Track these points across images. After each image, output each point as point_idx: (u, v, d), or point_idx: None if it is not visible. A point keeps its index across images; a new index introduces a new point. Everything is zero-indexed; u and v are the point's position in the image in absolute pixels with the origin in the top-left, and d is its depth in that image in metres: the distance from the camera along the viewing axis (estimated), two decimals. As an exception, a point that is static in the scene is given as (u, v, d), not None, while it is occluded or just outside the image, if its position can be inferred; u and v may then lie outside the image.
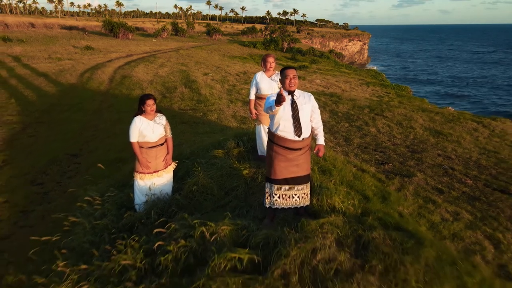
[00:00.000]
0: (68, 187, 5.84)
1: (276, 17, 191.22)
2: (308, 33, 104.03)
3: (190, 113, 11.10)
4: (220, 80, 17.74)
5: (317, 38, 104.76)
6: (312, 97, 3.80)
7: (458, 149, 9.00)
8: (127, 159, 6.83)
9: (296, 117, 3.53)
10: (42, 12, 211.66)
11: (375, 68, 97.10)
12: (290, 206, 3.74)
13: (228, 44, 49.48)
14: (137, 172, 4.38)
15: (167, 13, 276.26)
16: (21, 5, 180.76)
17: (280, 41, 48.29)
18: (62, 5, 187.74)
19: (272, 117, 3.68)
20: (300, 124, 3.53)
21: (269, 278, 2.79)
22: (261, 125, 5.11)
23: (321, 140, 3.79)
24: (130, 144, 4.32)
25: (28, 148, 7.59)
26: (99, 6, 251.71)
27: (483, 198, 6.29)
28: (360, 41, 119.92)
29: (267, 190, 3.75)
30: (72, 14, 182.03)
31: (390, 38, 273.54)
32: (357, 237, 3.28)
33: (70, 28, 56.35)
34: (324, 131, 8.76)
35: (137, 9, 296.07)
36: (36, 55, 23.76)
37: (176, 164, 4.68)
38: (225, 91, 15.18)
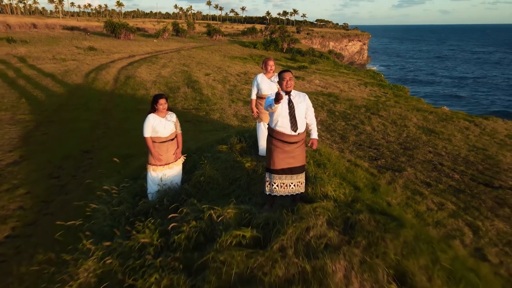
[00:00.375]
0: (83, 180, 6.32)
1: (276, 17, 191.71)
2: (308, 33, 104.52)
3: (193, 112, 11.58)
4: (222, 81, 18.23)
5: (317, 38, 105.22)
6: (307, 96, 4.27)
7: (449, 146, 9.49)
8: (136, 154, 7.31)
9: (292, 114, 4.02)
10: (42, 12, 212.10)
11: (374, 68, 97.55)
12: (287, 194, 4.23)
13: (228, 45, 49.97)
14: (150, 164, 4.86)
15: (167, 13, 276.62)
16: (21, 5, 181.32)
17: (280, 41, 48.78)
18: (63, 5, 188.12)
19: (271, 114, 4.16)
20: (296, 121, 4.02)
21: (269, 251, 3.27)
22: (262, 122, 5.59)
23: (314, 135, 4.28)
24: (144, 139, 4.79)
25: (42, 145, 8.07)
26: (99, 6, 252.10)
27: (468, 191, 6.78)
28: (360, 41, 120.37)
29: (267, 179, 4.24)
30: (72, 14, 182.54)
31: (390, 38, 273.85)
32: (346, 219, 3.77)
33: (72, 28, 56.81)
34: (321, 129, 9.38)
35: (137, 9, 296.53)
36: (40, 56, 24.23)
37: (185, 158, 5.16)
38: (227, 91, 15.67)
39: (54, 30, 53.84)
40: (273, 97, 3.94)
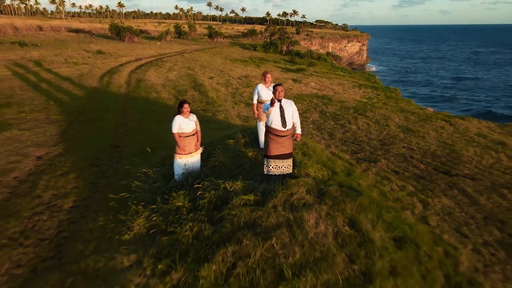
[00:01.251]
0: (118, 167, 7.91)
1: (276, 18, 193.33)
2: (307, 35, 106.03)
3: (201, 113, 13.17)
4: (225, 84, 19.82)
5: (317, 39, 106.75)
6: (293, 103, 5.86)
7: (421, 142, 11.08)
8: (157, 148, 8.89)
9: (282, 115, 5.61)
10: (43, 13, 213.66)
11: (373, 68, 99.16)
12: (279, 174, 5.82)
13: (229, 47, 51.56)
14: (176, 153, 6.44)
15: (167, 13, 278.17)
16: (22, 5, 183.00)
17: (279, 44, 50.37)
18: (64, 6, 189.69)
19: (268, 116, 5.74)
20: (285, 120, 5.61)
21: (265, 207, 4.87)
22: (261, 121, 7.18)
23: (298, 130, 5.88)
24: (172, 134, 6.36)
25: (78, 140, 9.64)
26: (100, 7, 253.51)
27: (428, 177, 8.37)
28: (359, 42, 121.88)
29: (265, 163, 5.83)
30: (73, 15, 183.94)
31: (390, 38, 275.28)
32: (319, 189, 5.36)
33: (77, 31, 58.37)
34: (312, 128, 11.30)
35: (138, 9, 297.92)
36: (53, 60, 25.78)
37: (202, 148, 6.75)
38: (230, 94, 17.26)
39: (60, 33, 55.39)
40: (269, 102, 5.54)
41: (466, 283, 4.59)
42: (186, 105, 6.31)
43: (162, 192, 5.96)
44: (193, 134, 6.46)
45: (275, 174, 5.82)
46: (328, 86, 24.06)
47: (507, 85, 63.04)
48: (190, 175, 6.27)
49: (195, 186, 5.54)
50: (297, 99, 16.46)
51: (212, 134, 9.70)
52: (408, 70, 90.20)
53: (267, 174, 5.84)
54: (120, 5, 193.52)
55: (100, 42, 44.00)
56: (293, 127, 5.90)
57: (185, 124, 6.32)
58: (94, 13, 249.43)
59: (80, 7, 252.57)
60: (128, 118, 12.09)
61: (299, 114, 6.16)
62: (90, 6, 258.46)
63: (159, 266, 4.44)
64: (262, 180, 5.97)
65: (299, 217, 4.67)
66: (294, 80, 23.64)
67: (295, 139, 5.96)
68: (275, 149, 5.69)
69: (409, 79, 73.63)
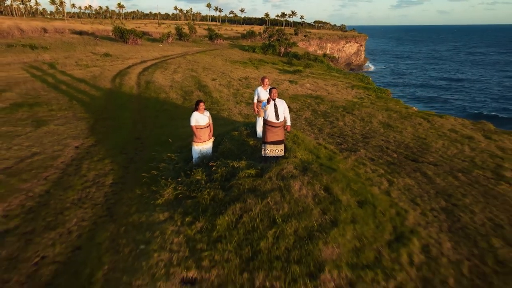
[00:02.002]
0: (143, 155, 9.67)
1: (274, 19, 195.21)
2: (305, 35, 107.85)
3: (207, 112, 14.92)
4: (226, 85, 21.59)
5: (315, 40, 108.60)
6: (285, 102, 7.62)
7: (398, 136, 12.85)
8: (173, 140, 10.64)
9: (276, 111, 7.37)
10: (42, 13, 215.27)
11: (371, 68, 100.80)
12: (274, 156, 7.58)
13: (229, 49, 53.34)
14: (194, 141, 8.19)
15: (166, 14, 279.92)
16: (22, 6, 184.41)
17: (277, 46, 52.15)
18: (64, 6, 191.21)
19: (265, 111, 7.50)
20: (278, 114, 7.37)
21: (263, 178, 6.64)
22: (259, 117, 8.94)
23: (288, 122, 7.65)
24: (190, 127, 8.11)
25: (105, 134, 11.38)
26: (100, 7, 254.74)
27: (398, 163, 10.13)
28: (356, 42, 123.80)
29: (263, 147, 7.60)
30: (72, 16, 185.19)
31: (388, 38, 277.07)
32: (304, 166, 7.13)
33: (81, 33, 60.08)
34: (304, 124, 13.27)
35: (137, 10, 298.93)
36: (65, 62, 27.51)
37: (214, 138, 8.51)
38: (231, 94, 19.02)
39: (65, 35, 57.08)
40: (266, 101, 7.31)
41: (408, 232, 6.35)
42: (201, 104, 8.07)
43: (184, 171, 7.72)
44: (207, 127, 8.21)
45: (271, 156, 7.58)
46: (322, 87, 25.84)
47: (502, 87, 64.87)
48: (205, 158, 8.03)
49: (210, 164, 7.31)
50: (292, 99, 18.21)
51: (219, 129, 11.45)
52: (405, 71, 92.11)
53: (264, 156, 7.60)
54: (120, 6, 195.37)
55: (105, 44, 45.67)
56: (285, 120, 7.66)
57: (200, 119, 8.08)
58: (93, 14, 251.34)
59: (80, 7, 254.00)
60: (143, 116, 13.83)
61: (294, 112, 7.98)
62: (90, 6, 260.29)
63: (186, 219, 6.20)
64: (260, 161, 7.73)
65: (287, 184, 6.44)
66: (291, 82, 25.41)
67: (286, 130, 7.73)
68: (270, 137, 7.45)
69: (405, 80, 75.53)
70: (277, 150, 7.54)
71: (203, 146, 8.20)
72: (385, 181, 8.81)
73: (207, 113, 8.23)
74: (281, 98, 7.77)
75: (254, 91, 9.11)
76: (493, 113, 42.93)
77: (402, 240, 6.08)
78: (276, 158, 7.63)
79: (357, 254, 5.53)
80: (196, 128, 8.10)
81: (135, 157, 9.63)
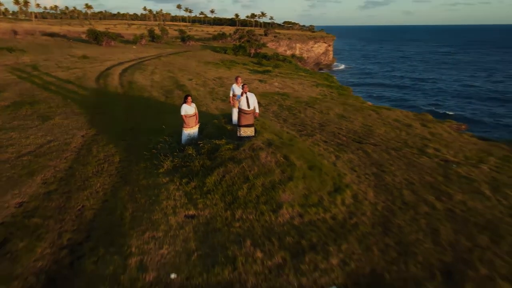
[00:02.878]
0: (140, 140, 11.81)
1: (244, 19, 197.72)
2: (275, 36, 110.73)
3: (187, 107, 17.13)
4: (202, 84, 23.80)
5: (284, 40, 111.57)
6: (254, 95, 10.01)
7: (349, 125, 15.49)
8: (164, 129, 12.84)
9: (247, 101, 9.75)
10: (5, 13, 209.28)
11: (342, 67, 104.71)
12: (246, 136, 9.96)
13: (201, 50, 55.37)
14: (184, 127, 10.43)
15: (135, 14, 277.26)
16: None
17: (247, 47, 54.59)
18: (29, 7, 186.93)
19: (239, 102, 9.87)
20: (249, 104, 9.76)
21: (239, 150, 9.01)
22: (234, 108, 11.28)
23: (257, 110, 10.07)
24: (180, 116, 10.34)
25: (103, 126, 13.38)
26: (66, 8, 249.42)
27: (345, 144, 12.71)
28: (325, 42, 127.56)
29: (238, 130, 9.96)
30: (36, 16, 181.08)
31: (356, 39, 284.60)
32: (269, 142, 9.54)
33: (52, 35, 60.53)
34: (271, 116, 15.98)
35: (105, 10, 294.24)
36: (46, 65, 28.90)
37: (199, 124, 10.79)
38: (207, 92, 21.26)
39: (36, 37, 57.36)
40: (240, 94, 9.68)
41: (344, 186, 8.85)
42: (189, 97, 10.35)
43: (177, 149, 9.98)
44: (194, 115, 10.49)
45: (244, 136, 9.96)
46: (289, 86, 28.43)
47: (460, 85, 69.71)
48: (193, 139, 10.32)
49: (198, 143, 9.62)
50: (262, 96, 20.63)
51: (200, 120, 13.71)
52: (371, 71, 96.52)
53: (239, 136, 9.97)
54: (88, 6, 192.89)
55: (79, 46, 46.72)
56: (254, 109, 10.06)
57: (188, 109, 10.35)
58: (58, 14, 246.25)
59: (45, 8, 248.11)
60: (133, 111, 15.86)
61: (263, 106, 10.42)
62: (56, 7, 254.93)
63: (183, 180, 8.50)
64: (236, 140, 10.10)
65: (257, 154, 8.84)
66: (260, 81, 27.87)
67: (255, 116, 10.14)
68: (243, 121, 9.83)
69: (369, 79, 79.65)
70: (248, 132, 9.92)
71: (191, 130, 10.47)
72: (333, 156, 11.36)
73: (193, 105, 10.51)
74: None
75: (230, 88, 11.47)
76: (443, 111, 46.71)
77: (339, 191, 8.58)
78: (248, 138, 10.00)
79: (306, 198, 7.99)
80: (185, 116, 10.37)
81: (134, 142, 11.75)
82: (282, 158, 8.87)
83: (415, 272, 5.99)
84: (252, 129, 9.99)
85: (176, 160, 9.26)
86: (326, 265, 6.01)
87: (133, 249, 6.05)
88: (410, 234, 7.08)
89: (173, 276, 5.54)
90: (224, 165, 8.59)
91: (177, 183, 8.48)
